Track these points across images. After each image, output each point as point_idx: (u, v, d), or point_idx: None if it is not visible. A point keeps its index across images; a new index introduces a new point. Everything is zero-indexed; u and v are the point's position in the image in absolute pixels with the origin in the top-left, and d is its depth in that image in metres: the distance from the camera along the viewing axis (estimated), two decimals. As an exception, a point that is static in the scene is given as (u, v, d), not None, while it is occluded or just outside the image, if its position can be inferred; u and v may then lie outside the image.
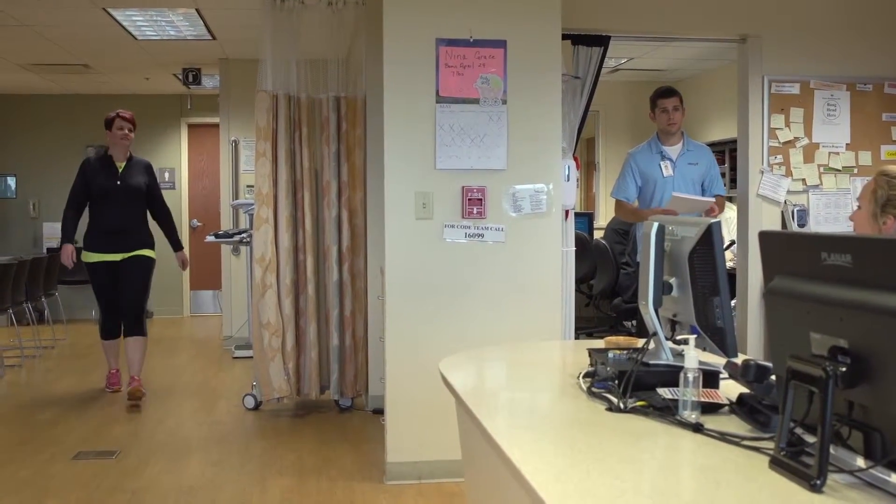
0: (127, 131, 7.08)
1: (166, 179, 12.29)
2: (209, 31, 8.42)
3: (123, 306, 7.04)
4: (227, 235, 8.36)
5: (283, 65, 6.31)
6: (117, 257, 7.00)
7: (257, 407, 6.66)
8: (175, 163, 12.42)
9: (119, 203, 6.98)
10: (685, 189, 5.84)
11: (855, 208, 3.13)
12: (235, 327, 9.74)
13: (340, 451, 5.56)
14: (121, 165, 7.07)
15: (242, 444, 5.82)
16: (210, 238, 8.53)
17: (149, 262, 7.12)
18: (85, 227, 7.20)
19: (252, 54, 6.72)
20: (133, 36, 8.61)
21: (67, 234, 7.08)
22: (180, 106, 12.23)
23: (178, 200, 12.31)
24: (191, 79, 10.37)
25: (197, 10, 7.61)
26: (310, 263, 6.35)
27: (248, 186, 9.75)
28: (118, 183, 7.00)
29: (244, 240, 8.01)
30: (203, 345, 10.25)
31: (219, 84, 10.22)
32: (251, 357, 6.93)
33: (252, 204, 6.86)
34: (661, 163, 5.96)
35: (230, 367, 8.63)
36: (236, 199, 9.84)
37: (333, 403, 6.67)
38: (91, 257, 7.01)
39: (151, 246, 7.16)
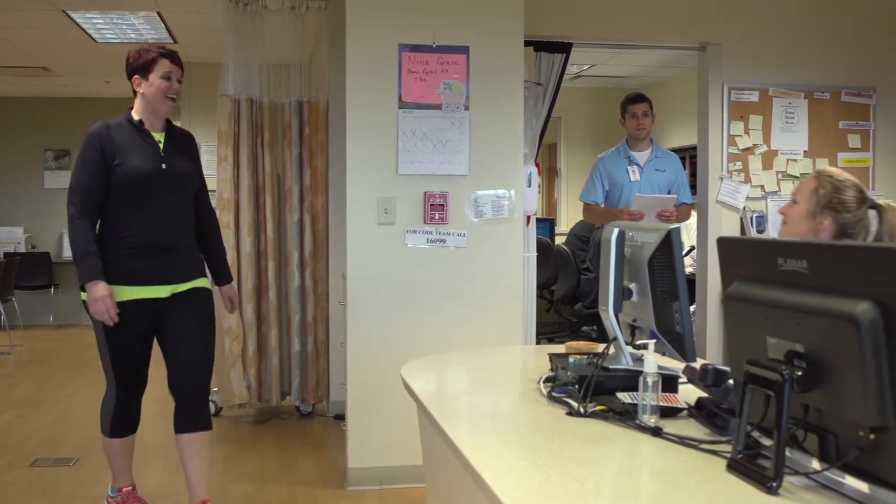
0: (176, 82, 4.12)
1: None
2: (171, 34, 8.37)
3: (177, 376, 4.16)
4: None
5: (246, 69, 6.28)
6: (162, 292, 4.05)
7: (218, 413, 6.61)
8: (135, 167, 12.28)
9: (164, 200, 4.05)
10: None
11: (789, 202, 3.14)
12: (196, 333, 9.64)
13: (301, 457, 5.53)
14: (160, 139, 4.11)
15: (203, 450, 5.77)
16: (171, 243, 8.43)
17: (210, 299, 4.25)
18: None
19: (214, 58, 6.69)
20: (93, 39, 8.53)
21: (90, 262, 3.91)
22: (141, 110, 12.09)
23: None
24: (152, 82, 10.25)
25: (158, 13, 7.56)
26: (271, 269, 6.33)
27: (209, 191, 9.68)
28: (163, 167, 4.03)
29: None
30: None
31: (180, 88, 10.14)
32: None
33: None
34: (629, 167, 6.02)
35: (190, 373, 8.55)
36: (197, 203, 9.75)
37: (295, 409, 6.64)
38: (115, 294, 3.94)
39: (205, 272, 4.33)
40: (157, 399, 7.33)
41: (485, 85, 5.03)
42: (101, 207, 4.01)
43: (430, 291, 5.02)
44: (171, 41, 8.61)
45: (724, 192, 6.13)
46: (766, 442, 1.78)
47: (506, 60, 5.08)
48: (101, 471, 5.26)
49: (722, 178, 6.15)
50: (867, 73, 6.31)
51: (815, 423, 1.71)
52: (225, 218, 6.16)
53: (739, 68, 6.16)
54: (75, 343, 10.63)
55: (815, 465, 1.70)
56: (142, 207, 3.99)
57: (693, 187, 6.31)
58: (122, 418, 4.27)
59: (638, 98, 6.11)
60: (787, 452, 1.71)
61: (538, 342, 6.01)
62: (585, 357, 2.66)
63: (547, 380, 2.66)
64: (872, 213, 3.00)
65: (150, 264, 4.00)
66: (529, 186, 5.46)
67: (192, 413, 4.20)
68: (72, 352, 10.03)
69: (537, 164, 5.71)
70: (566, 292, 8.07)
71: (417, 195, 4.98)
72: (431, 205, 4.98)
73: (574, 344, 2.99)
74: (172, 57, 4.10)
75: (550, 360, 2.79)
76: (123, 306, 3.94)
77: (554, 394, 2.50)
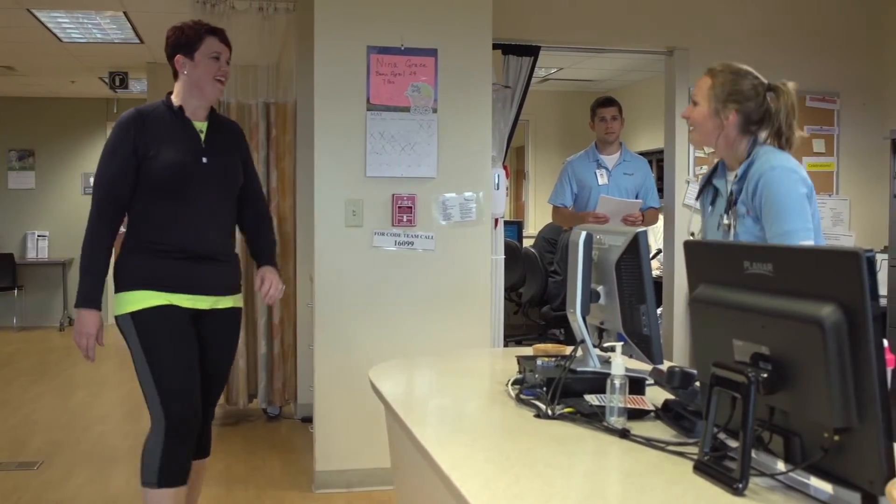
0: (225, 63, 3.58)
1: (91, 184, 12.08)
2: (137, 34, 8.31)
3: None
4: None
5: (213, 70, 6.24)
6: (202, 303, 3.49)
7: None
8: (101, 168, 12.18)
9: (203, 199, 3.49)
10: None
11: (690, 106, 3.14)
12: (162, 335, 9.57)
13: (269, 460, 5.51)
14: (202, 128, 3.56)
15: (168, 453, 5.73)
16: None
17: (240, 320, 3.75)
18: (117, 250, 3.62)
19: (181, 59, 6.64)
20: (58, 38, 8.45)
21: (90, 283, 3.44)
22: (106, 110, 12.00)
23: (104, 206, 12.12)
24: (117, 82, 10.20)
25: (124, 12, 7.50)
26: (238, 270, 6.27)
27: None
28: (203, 160, 3.48)
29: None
30: (129, 352, 10.04)
31: (146, 88, 10.07)
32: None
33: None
34: (597, 171, 6.05)
35: (156, 376, 8.48)
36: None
37: (262, 412, 6.61)
38: (148, 299, 3.39)
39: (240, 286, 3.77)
40: (123, 401, 7.30)
41: (453, 87, 5.04)
42: (128, 207, 3.47)
43: (398, 294, 5.02)
44: (138, 41, 8.55)
45: (690, 196, 6.18)
46: (733, 443, 1.80)
47: (474, 63, 5.09)
48: (65, 475, 5.22)
49: (688, 182, 6.19)
50: (832, 78, 6.38)
51: (781, 424, 1.73)
52: (192, 219, 6.10)
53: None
54: (39, 345, 10.52)
55: (781, 466, 1.72)
56: (178, 207, 3.42)
57: (660, 190, 6.35)
58: (173, 459, 3.37)
59: (608, 102, 6.15)
60: (753, 454, 1.72)
61: (506, 345, 6.02)
62: (553, 359, 2.67)
63: (515, 382, 2.67)
64: (771, 97, 3.02)
65: (187, 272, 3.43)
66: (497, 189, 5.47)
67: (202, 439, 3.65)
68: (36, 354, 9.93)
69: (505, 167, 5.73)
70: (534, 295, 8.09)
71: (385, 197, 4.98)
72: (399, 207, 4.98)
73: (542, 346, 3.00)
74: (220, 35, 3.58)
75: (518, 363, 2.79)
76: (163, 309, 3.38)
77: (522, 396, 2.51)
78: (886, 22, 6.50)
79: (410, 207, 5.00)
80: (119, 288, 3.45)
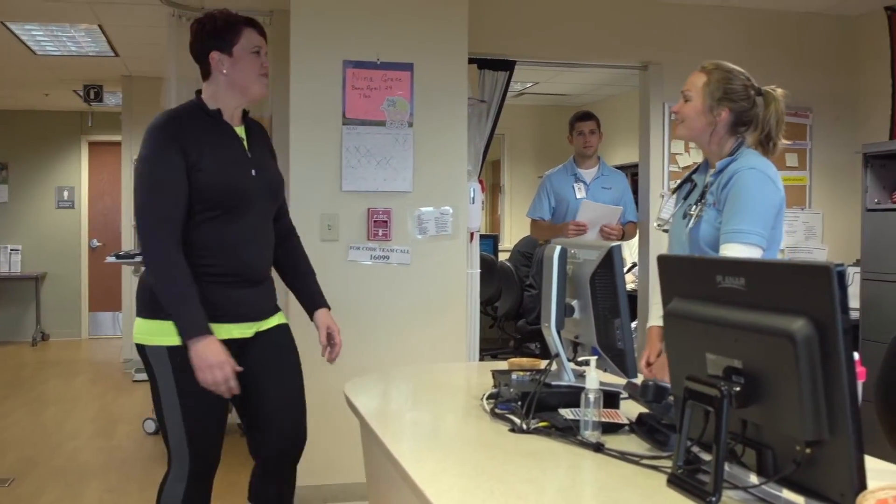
0: (265, 57, 3.12)
1: (65, 198, 12.03)
2: (112, 47, 8.27)
3: (275, 437, 3.24)
4: (129, 256, 8.17)
5: (188, 83, 6.21)
6: (248, 330, 3.11)
7: (157, 431, 6.52)
8: (75, 181, 12.11)
9: (253, 216, 3.07)
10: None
11: (681, 101, 3.17)
12: (136, 350, 9.50)
13: (244, 475, 5.41)
14: (242, 134, 3.13)
15: (142, 469, 5.69)
16: (111, 258, 8.33)
17: (291, 335, 3.36)
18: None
19: (156, 72, 6.64)
20: (32, 51, 8.40)
21: (193, 310, 2.86)
22: (81, 123, 11.94)
23: (78, 220, 12.08)
24: (92, 96, 10.15)
25: (99, 25, 7.47)
26: (213, 284, 6.22)
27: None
28: (252, 173, 3.07)
29: (146, 260, 7.84)
30: (102, 368, 9.99)
31: (121, 101, 10.04)
32: (152, 380, 6.79)
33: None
34: (575, 184, 6.06)
35: (130, 391, 8.43)
36: (138, 218, 9.62)
37: (237, 427, 6.57)
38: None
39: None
40: (95, 417, 7.24)
41: (429, 102, 5.05)
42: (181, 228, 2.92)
43: (374, 308, 5.01)
44: (113, 54, 8.51)
45: (666, 212, 6.20)
46: (706, 457, 1.81)
47: (450, 78, 5.11)
48: (37, 492, 5.17)
49: (663, 196, 6.22)
50: (804, 93, 6.43)
51: (753, 437, 1.74)
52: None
53: (680, 87, 6.21)
54: (11, 361, 10.42)
55: (753, 479, 1.73)
56: (227, 226, 2.97)
57: (635, 204, 6.38)
58: (196, 502, 3.09)
59: (586, 116, 6.17)
60: (726, 467, 1.73)
61: (482, 358, 6.02)
62: (528, 374, 2.67)
63: (490, 396, 2.67)
64: (760, 101, 3.05)
65: (236, 297, 3.01)
66: (473, 203, 5.48)
67: (286, 487, 3.31)
68: (7, 370, 9.83)
69: (481, 181, 5.73)
70: (509, 308, 8.10)
71: (361, 211, 4.98)
72: (375, 221, 4.97)
73: (517, 360, 3.00)
74: (258, 26, 3.12)
75: (493, 377, 2.79)
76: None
77: (497, 410, 2.51)
78: (859, 37, 6.57)
79: (386, 221, 5.00)
80: (151, 313, 2.95)
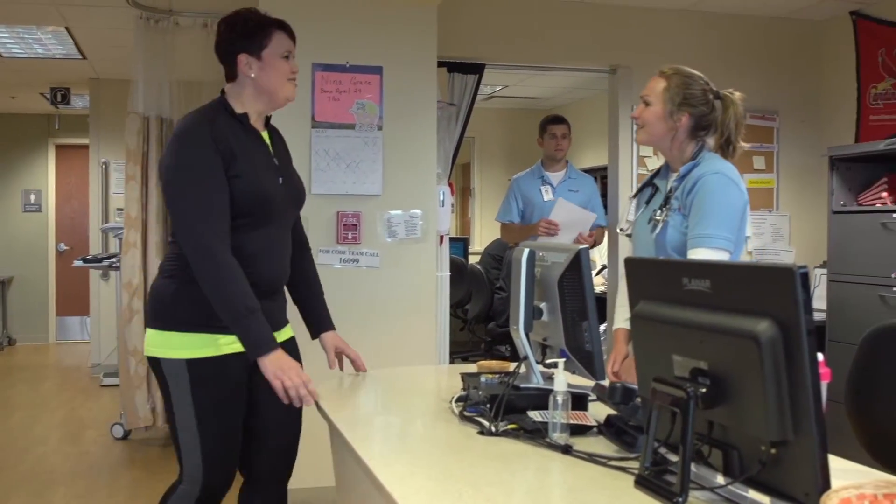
0: (293, 61, 3.02)
1: (32, 201, 11.92)
2: (79, 49, 8.21)
3: (269, 454, 3.14)
4: (96, 260, 8.12)
5: (156, 86, 6.18)
6: None
7: (126, 436, 6.47)
8: (41, 184, 12.00)
9: (278, 225, 2.99)
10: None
11: (641, 106, 3.18)
12: (104, 354, 9.45)
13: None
14: (266, 140, 3.05)
15: (110, 475, 5.64)
16: (78, 262, 8.26)
17: (297, 349, 3.23)
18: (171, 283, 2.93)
19: (124, 74, 6.59)
20: (-2, 53, 8.33)
21: (259, 323, 2.74)
22: (48, 126, 11.83)
23: (45, 223, 11.97)
24: (59, 98, 10.07)
25: (66, 28, 7.41)
26: (182, 288, 6.17)
27: (118, 210, 9.49)
28: (280, 181, 2.99)
29: (113, 265, 7.79)
30: (70, 372, 9.91)
31: (89, 104, 9.96)
32: (120, 385, 6.74)
33: (122, 228, 6.56)
34: (542, 187, 6.08)
35: (98, 396, 8.37)
36: (106, 222, 9.56)
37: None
38: (209, 345, 2.81)
39: None
40: (62, 423, 7.18)
41: (398, 105, 5.05)
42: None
43: (343, 311, 4.97)
44: (80, 56, 8.45)
45: (629, 214, 6.22)
46: (673, 458, 1.82)
47: (419, 81, 5.11)
48: (2, 497, 5.11)
49: (631, 199, 6.23)
50: (771, 97, 6.49)
51: (720, 438, 1.75)
52: (132, 237, 6.04)
53: (648, 91, 6.28)
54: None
55: (720, 479, 1.74)
56: (253, 235, 2.85)
57: (604, 207, 6.41)
58: None
59: (558, 119, 6.19)
60: (693, 468, 1.74)
61: (452, 361, 6.02)
62: (497, 376, 2.68)
63: (459, 399, 2.67)
64: (718, 105, 3.08)
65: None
66: (442, 206, 5.48)
67: (275, 497, 3.25)
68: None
69: (450, 184, 5.74)
70: (480, 311, 8.11)
71: (330, 215, 4.97)
72: (344, 224, 4.97)
73: (486, 363, 3.01)
74: (289, 30, 3.01)
75: (462, 380, 2.80)
76: (223, 361, 2.81)
77: (465, 413, 2.51)
78: (824, 42, 6.64)
79: (356, 225, 4.99)
80: (166, 325, 2.83)
